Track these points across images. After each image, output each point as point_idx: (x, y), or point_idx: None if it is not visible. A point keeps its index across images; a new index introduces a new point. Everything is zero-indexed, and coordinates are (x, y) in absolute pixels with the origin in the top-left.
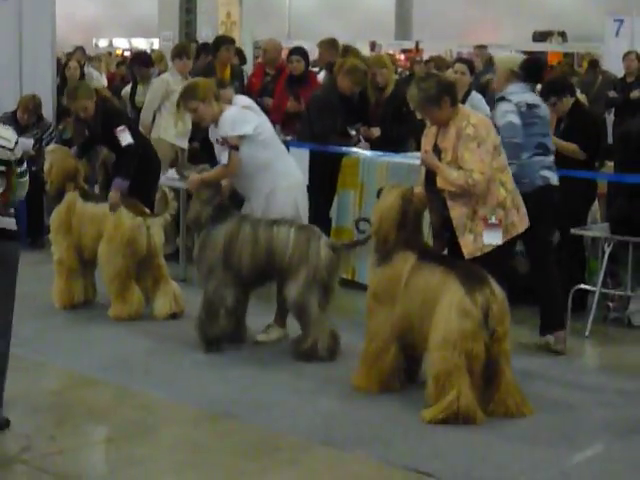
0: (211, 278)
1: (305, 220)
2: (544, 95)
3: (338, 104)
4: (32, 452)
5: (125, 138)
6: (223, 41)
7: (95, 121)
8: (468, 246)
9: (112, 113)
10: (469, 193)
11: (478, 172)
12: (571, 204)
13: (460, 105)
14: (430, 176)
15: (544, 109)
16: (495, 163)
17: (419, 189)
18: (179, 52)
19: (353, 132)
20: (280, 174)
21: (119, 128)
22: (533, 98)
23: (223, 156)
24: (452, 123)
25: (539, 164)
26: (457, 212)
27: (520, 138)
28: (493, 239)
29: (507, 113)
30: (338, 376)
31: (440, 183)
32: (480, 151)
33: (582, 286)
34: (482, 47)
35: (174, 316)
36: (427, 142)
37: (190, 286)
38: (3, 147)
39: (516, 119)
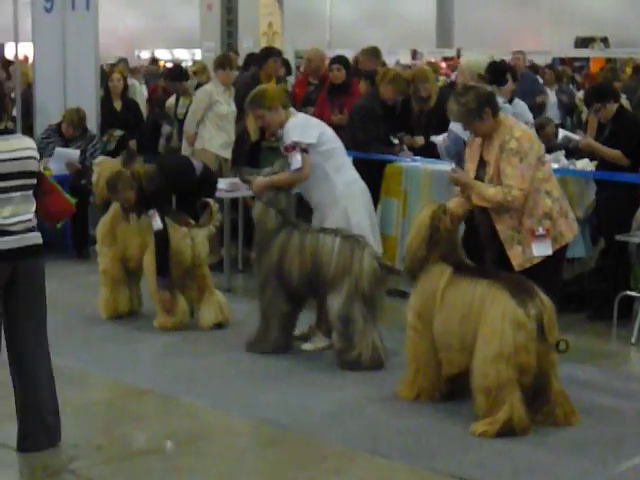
0: (265, 288)
1: (368, 229)
2: (588, 101)
3: (381, 113)
4: (79, 462)
5: (155, 224)
6: (271, 53)
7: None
8: (517, 258)
9: (147, 198)
10: (507, 208)
11: (517, 188)
12: (615, 210)
13: (503, 115)
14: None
15: (509, 111)
16: (540, 173)
17: (454, 203)
18: (222, 63)
19: (396, 141)
20: (338, 186)
21: (149, 213)
22: (501, 102)
23: (293, 161)
24: (496, 135)
25: None
26: (503, 225)
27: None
28: (542, 250)
29: None
30: (383, 386)
31: (475, 200)
32: (522, 166)
33: (628, 293)
34: (519, 52)
35: (219, 326)
36: (471, 154)
37: (235, 296)
38: (32, 157)
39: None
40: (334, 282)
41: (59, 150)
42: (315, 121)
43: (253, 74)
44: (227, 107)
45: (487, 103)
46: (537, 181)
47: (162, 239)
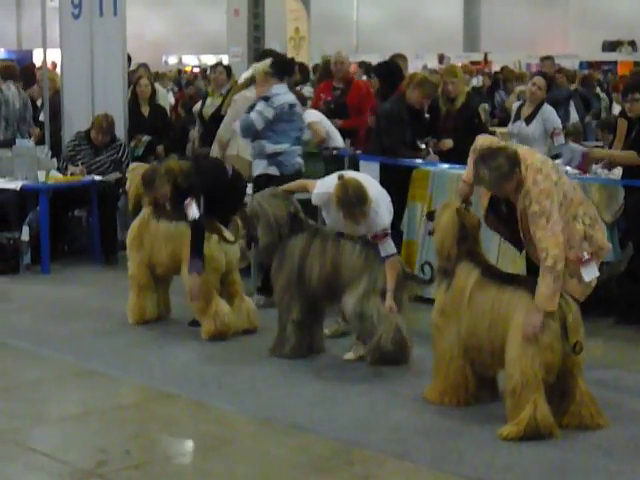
0: (284, 294)
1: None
2: (626, 90)
3: (407, 117)
4: (108, 466)
5: (191, 212)
6: (268, 55)
7: (170, 201)
8: (577, 290)
9: (182, 190)
10: (560, 268)
11: (553, 246)
12: None
13: (523, 171)
14: (494, 202)
15: (298, 107)
16: (563, 208)
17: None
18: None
19: (423, 145)
20: None
21: (185, 202)
22: (292, 98)
23: (387, 249)
24: (518, 194)
25: (297, 152)
26: None
27: (252, 135)
28: (591, 273)
29: (260, 111)
30: (410, 390)
31: (550, 309)
32: (551, 225)
33: None
34: (548, 58)
35: (247, 332)
36: (483, 193)
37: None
38: None
39: (260, 121)
40: (351, 282)
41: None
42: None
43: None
44: None
45: (516, 163)
46: (562, 215)
47: (198, 227)
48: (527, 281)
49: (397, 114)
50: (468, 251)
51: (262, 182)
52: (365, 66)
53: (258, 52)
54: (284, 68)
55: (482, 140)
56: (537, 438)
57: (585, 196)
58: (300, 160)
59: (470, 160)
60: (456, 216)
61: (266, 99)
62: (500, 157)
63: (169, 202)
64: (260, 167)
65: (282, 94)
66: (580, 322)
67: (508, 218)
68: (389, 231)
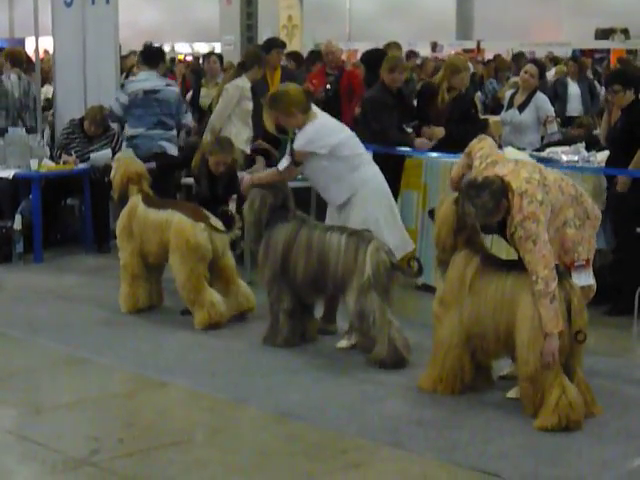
0: (272, 284)
1: (382, 223)
2: (609, 81)
3: (392, 101)
4: (101, 455)
5: (232, 206)
6: (274, 44)
7: (220, 180)
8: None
9: (236, 178)
10: (553, 288)
11: (542, 268)
12: (631, 203)
13: (508, 198)
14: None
15: (164, 93)
16: (552, 216)
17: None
18: (258, 61)
19: (409, 129)
20: (353, 185)
21: (234, 195)
22: (152, 85)
23: (282, 162)
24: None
25: (158, 136)
26: None
27: (114, 120)
28: (584, 280)
29: (117, 98)
30: (404, 378)
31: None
32: (538, 247)
33: None
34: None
35: (243, 315)
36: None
37: (255, 289)
38: None
39: (117, 107)
40: (344, 281)
41: (94, 156)
42: (332, 127)
43: None
44: (252, 103)
45: (503, 196)
46: (551, 225)
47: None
48: None
49: (381, 99)
50: (467, 240)
51: None
52: None
53: (251, 40)
54: (152, 56)
55: (478, 146)
56: (573, 422)
57: (576, 189)
58: (163, 144)
59: (461, 161)
60: (453, 207)
61: (122, 86)
62: (485, 194)
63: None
64: (123, 149)
65: (138, 81)
66: (584, 306)
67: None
68: (297, 157)
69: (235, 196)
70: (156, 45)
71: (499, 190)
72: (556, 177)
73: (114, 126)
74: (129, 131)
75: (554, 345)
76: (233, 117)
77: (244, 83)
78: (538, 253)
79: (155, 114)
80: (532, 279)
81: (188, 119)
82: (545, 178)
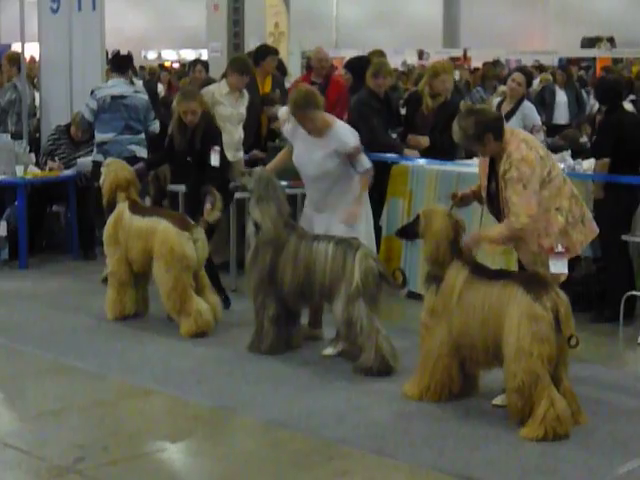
0: (258, 292)
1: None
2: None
3: (378, 105)
4: (86, 463)
5: (215, 159)
6: (269, 51)
7: (195, 132)
8: None
9: (215, 129)
10: (518, 237)
11: (525, 215)
12: (612, 210)
13: (509, 134)
14: (491, 199)
15: (132, 99)
16: (546, 192)
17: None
18: (242, 68)
19: (394, 135)
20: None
21: (216, 147)
22: (120, 91)
23: (363, 162)
24: (499, 160)
25: (127, 140)
26: (523, 251)
27: (85, 125)
28: (560, 268)
29: (87, 104)
30: (390, 386)
31: (491, 248)
32: (527, 192)
33: (633, 293)
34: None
35: (199, 335)
36: (482, 169)
37: (241, 296)
38: None
39: (87, 113)
40: (332, 289)
41: (81, 161)
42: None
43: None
44: (230, 109)
45: (488, 129)
46: (545, 200)
47: (218, 174)
48: (517, 276)
49: (368, 103)
50: (459, 251)
51: (94, 168)
52: None
53: (238, 47)
54: (121, 63)
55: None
56: (559, 434)
57: (577, 195)
58: (133, 148)
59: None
60: (448, 220)
61: (91, 92)
62: (470, 120)
63: (193, 131)
64: (93, 155)
65: (107, 87)
66: (571, 315)
67: (496, 193)
68: (360, 146)
69: (218, 148)
70: (124, 53)
71: (486, 122)
72: (561, 171)
73: None
74: (98, 137)
75: (480, 238)
76: None
77: (219, 89)
78: (526, 198)
79: (123, 119)
80: (511, 219)
81: (154, 126)
82: (549, 155)
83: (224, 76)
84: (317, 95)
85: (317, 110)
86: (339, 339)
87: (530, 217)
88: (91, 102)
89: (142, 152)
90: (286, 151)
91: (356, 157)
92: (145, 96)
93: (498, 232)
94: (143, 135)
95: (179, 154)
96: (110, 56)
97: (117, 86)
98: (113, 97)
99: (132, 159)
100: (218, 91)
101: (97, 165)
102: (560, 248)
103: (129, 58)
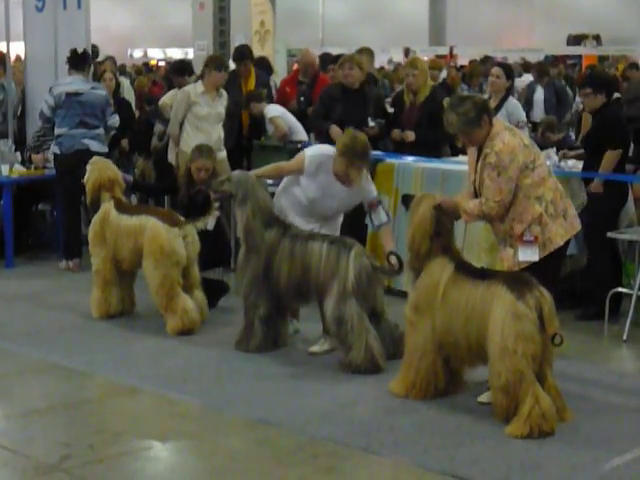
0: (251, 290)
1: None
2: (582, 84)
3: (340, 95)
4: (72, 461)
5: (212, 224)
6: (245, 56)
7: (200, 191)
8: (508, 260)
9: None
10: (487, 219)
11: (493, 200)
12: (601, 206)
13: (495, 121)
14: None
15: (87, 96)
16: (528, 180)
17: (445, 197)
18: (219, 65)
19: (372, 124)
20: None
21: (216, 212)
22: (75, 88)
23: (381, 216)
24: (484, 144)
25: (81, 135)
26: (496, 229)
27: (44, 120)
28: (529, 256)
29: (45, 100)
30: (376, 383)
31: (462, 215)
32: (499, 180)
33: (619, 289)
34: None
35: (185, 332)
36: (471, 161)
37: (232, 295)
38: None
39: (45, 108)
40: (325, 287)
41: None
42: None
43: (233, 71)
44: (207, 109)
45: (484, 110)
46: (525, 187)
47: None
48: (501, 275)
49: (328, 92)
50: (443, 246)
51: (54, 161)
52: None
53: (224, 45)
54: (78, 60)
55: None
56: (544, 431)
57: (562, 190)
58: (86, 142)
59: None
60: (433, 211)
61: (50, 89)
62: (467, 103)
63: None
64: (51, 147)
65: (63, 84)
66: (554, 313)
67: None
68: (380, 200)
69: (217, 213)
70: (81, 50)
71: (481, 103)
72: (545, 163)
73: None
74: (56, 130)
75: (457, 204)
76: (186, 123)
77: (195, 89)
78: (498, 183)
79: (77, 115)
80: (480, 201)
81: (113, 120)
82: (534, 145)
83: (200, 77)
84: (370, 148)
85: (367, 164)
86: (327, 337)
87: (497, 203)
88: (49, 98)
89: (97, 147)
90: (278, 169)
91: (376, 208)
92: (103, 92)
93: (471, 207)
94: (101, 130)
95: (179, 204)
96: (68, 54)
97: (73, 83)
98: (68, 94)
99: (85, 152)
100: (194, 91)
101: (55, 157)
102: (529, 236)
103: (86, 55)
